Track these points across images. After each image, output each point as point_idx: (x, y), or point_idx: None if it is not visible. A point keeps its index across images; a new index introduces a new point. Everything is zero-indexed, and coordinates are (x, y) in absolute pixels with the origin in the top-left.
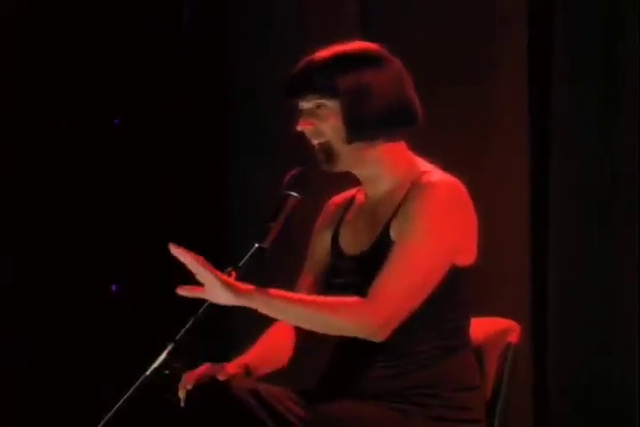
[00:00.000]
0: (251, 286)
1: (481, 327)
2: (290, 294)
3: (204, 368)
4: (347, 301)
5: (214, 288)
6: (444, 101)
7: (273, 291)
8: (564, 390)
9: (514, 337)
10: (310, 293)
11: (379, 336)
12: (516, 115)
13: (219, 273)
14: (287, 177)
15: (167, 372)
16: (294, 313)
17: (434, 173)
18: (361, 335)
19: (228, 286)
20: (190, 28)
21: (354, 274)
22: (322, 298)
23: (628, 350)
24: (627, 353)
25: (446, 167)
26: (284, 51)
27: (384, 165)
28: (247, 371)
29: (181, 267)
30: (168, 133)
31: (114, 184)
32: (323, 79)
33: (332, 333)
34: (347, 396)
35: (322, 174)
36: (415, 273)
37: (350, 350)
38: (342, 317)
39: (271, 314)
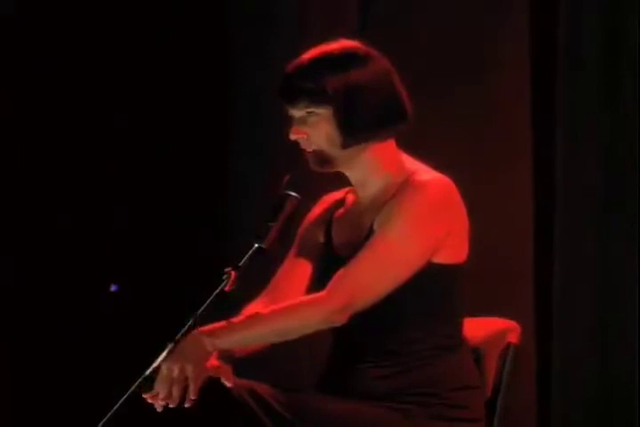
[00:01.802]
0: (197, 336)
1: (481, 327)
2: (239, 320)
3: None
4: (301, 299)
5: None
6: (445, 101)
7: (219, 327)
8: (568, 390)
9: (514, 337)
10: (291, 281)
11: (332, 323)
12: (518, 115)
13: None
14: (287, 177)
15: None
16: (256, 334)
17: (423, 173)
18: (322, 327)
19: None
20: (190, 28)
21: None
22: (273, 307)
23: (627, 350)
24: (627, 353)
25: (449, 167)
26: (283, 51)
27: (375, 166)
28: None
29: (181, 268)
30: (168, 133)
31: (114, 184)
32: (310, 85)
33: (300, 334)
34: (346, 396)
35: (321, 175)
36: (380, 264)
37: (349, 349)
38: (298, 317)
39: (239, 344)
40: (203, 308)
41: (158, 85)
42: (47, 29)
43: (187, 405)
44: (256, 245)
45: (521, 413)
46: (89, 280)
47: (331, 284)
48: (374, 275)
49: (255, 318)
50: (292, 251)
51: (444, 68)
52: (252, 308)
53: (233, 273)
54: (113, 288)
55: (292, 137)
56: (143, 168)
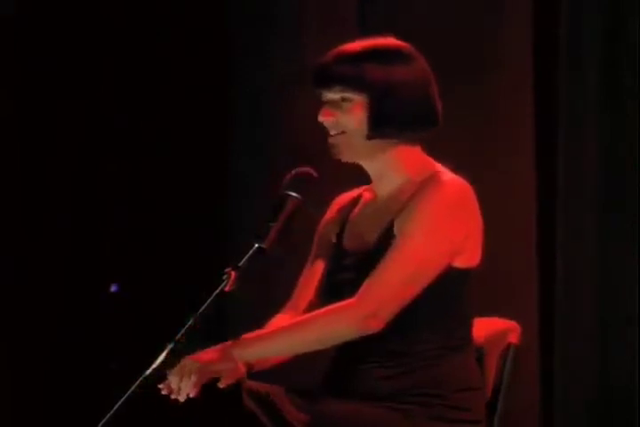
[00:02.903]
0: (226, 346)
1: (482, 327)
2: (267, 331)
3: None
4: (329, 307)
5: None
6: (445, 101)
7: (248, 338)
8: (568, 390)
9: (514, 337)
10: (311, 289)
11: (367, 329)
12: (518, 115)
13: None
14: (287, 177)
15: (167, 372)
16: (285, 346)
17: (444, 174)
18: (356, 334)
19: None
20: (190, 28)
21: (357, 271)
22: (301, 317)
23: (628, 350)
24: (627, 353)
25: (451, 168)
26: (283, 51)
27: (396, 163)
28: (248, 365)
29: (181, 268)
30: (168, 133)
31: (114, 184)
32: (351, 70)
33: (332, 343)
34: (347, 396)
35: (322, 175)
36: (408, 266)
37: (352, 350)
38: (330, 324)
39: (266, 356)
40: (203, 308)
41: (158, 85)
42: (47, 29)
43: (192, 395)
44: (256, 245)
45: (521, 413)
46: (89, 280)
47: (361, 290)
48: (403, 278)
49: (284, 329)
50: (311, 257)
51: (444, 68)
52: (277, 321)
53: (233, 273)
54: (113, 288)
55: (321, 119)
56: (143, 168)
